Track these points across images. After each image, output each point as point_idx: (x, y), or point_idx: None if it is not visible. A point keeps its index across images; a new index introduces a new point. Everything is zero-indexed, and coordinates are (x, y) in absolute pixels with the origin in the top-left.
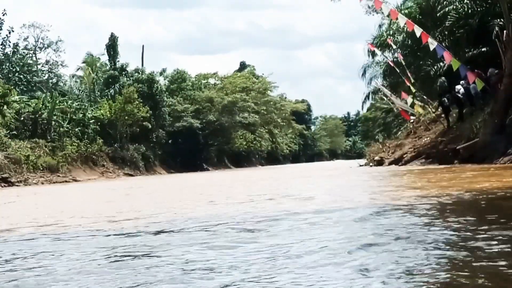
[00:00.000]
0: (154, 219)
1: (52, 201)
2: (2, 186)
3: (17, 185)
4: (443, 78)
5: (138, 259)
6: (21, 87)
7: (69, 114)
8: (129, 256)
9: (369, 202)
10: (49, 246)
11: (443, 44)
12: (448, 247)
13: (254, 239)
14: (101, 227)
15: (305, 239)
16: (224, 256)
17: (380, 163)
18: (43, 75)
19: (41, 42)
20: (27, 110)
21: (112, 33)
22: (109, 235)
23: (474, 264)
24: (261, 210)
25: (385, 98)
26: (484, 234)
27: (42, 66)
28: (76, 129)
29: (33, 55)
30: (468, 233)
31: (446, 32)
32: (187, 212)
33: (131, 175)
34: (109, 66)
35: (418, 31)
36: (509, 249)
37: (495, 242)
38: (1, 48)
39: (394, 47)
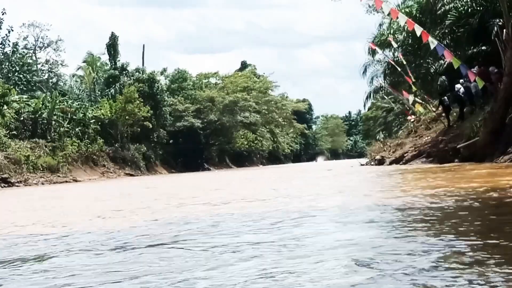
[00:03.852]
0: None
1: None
2: (2, 187)
3: (17, 186)
4: (443, 77)
5: None
6: (21, 87)
7: (69, 114)
8: None
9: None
10: None
11: (443, 42)
12: None
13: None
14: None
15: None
16: None
17: (381, 162)
18: (43, 74)
19: (41, 42)
20: (27, 110)
21: (112, 32)
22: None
23: None
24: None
25: (386, 97)
26: None
27: (42, 65)
28: (77, 129)
29: (33, 54)
30: None
31: (446, 31)
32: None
33: (132, 175)
34: (109, 65)
35: (418, 30)
36: None
37: None
38: (1, 47)
39: (395, 45)
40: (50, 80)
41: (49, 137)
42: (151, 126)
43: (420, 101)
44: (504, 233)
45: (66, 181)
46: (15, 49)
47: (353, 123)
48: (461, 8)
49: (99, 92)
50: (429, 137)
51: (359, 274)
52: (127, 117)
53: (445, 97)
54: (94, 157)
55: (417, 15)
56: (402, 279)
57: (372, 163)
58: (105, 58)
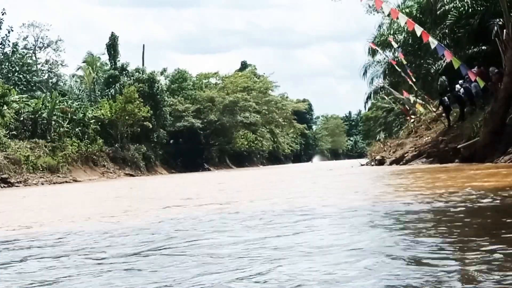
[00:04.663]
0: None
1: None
2: (1, 187)
3: (16, 186)
4: (443, 77)
5: None
6: (21, 87)
7: (69, 114)
8: None
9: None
10: None
11: (444, 43)
12: None
13: None
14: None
15: None
16: None
17: (381, 162)
18: (43, 74)
19: (40, 42)
20: (27, 110)
21: (112, 32)
22: None
23: None
24: None
25: (386, 98)
26: None
27: (42, 65)
28: (76, 129)
29: (33, 54)
30: None
31: (447, 31)
32: None
33: (132, 175)
34: (109, 65)
35: (418, 30)
36: None
37: None
38: (1, 47)
39: (395, 46)
40: (50, 80)
41: (49, 137)
42: (151, 126)
43: (421, 101)
44: None
45: (66, 181)
46: (15, 49)
47: (353, 123)
48: (461, 8)
49: (99, 92)
50: (429, 137)
51: None
52: (127, 117)
53: (445, 97)
54: (94, 157)
55: (417, 15)
56: None
57: (372, 163)
58: (105, 58)
